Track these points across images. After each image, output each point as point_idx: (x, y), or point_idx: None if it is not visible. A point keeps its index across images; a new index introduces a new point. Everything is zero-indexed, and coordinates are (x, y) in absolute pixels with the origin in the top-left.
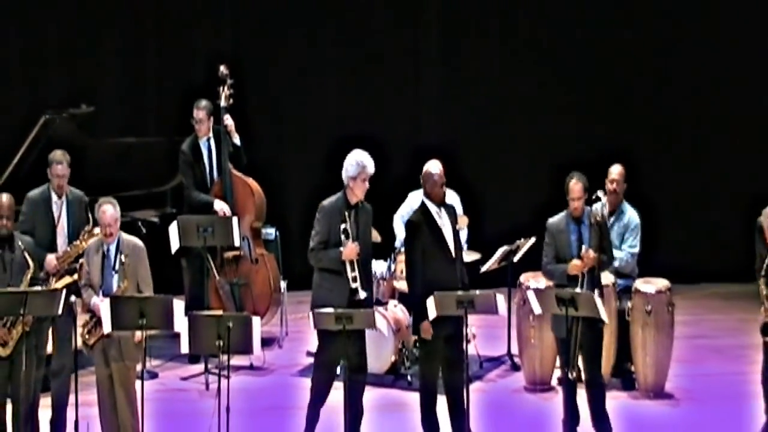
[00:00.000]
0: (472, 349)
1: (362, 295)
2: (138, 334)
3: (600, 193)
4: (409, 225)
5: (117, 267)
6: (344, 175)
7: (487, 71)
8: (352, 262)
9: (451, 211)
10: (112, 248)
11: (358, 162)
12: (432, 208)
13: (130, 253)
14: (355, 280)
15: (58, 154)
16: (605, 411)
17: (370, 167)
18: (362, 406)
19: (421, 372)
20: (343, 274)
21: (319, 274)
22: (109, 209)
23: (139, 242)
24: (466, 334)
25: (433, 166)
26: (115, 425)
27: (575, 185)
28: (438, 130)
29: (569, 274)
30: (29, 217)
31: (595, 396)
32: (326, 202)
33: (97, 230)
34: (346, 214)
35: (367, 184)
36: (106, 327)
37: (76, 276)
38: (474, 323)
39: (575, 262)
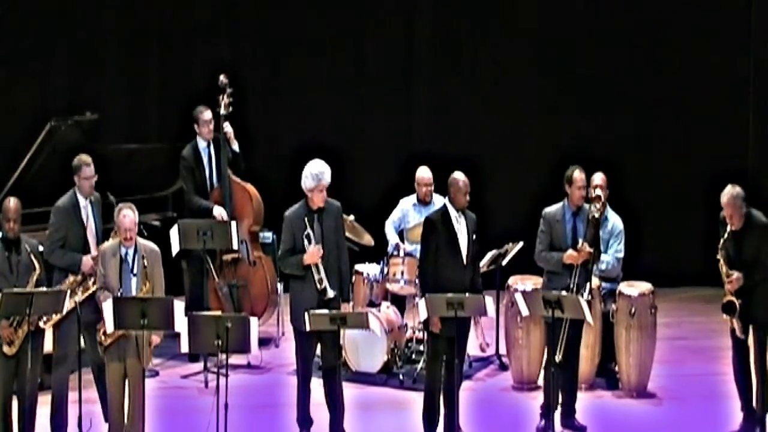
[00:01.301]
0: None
1: (331, 293)
2: (155, 338)
3: (599, 191)
4: (427, 222)
5: (136, 270)
6: (303, 185)
7: (478, 79)
8: (317, 265)
9: (471, 220)
10: (131, 252)
11: (313, 174)
12: (452, 212)
13: (148, 256)
14: (321, 281)
15: (84, 158)
16: (574, 396)
17: (326, 178)
18: (343, 400)
19: (427, 372)
20: (307, 277)
21: (291, 279)
22: (129, 214)
23: (155, 246)
24: (481, 344)
25: (458, 173)
26: (122, 420)
27: (580, 174)
28: (429, 138)
29: (564, 262)
30: (61, 226)
31: (567, 377)
32: (289, 211)
33: None
34: (307, 220)
35: (324, 194)
36: (109, 327)
37: None
38: (485, 329)
39: (571, 252)
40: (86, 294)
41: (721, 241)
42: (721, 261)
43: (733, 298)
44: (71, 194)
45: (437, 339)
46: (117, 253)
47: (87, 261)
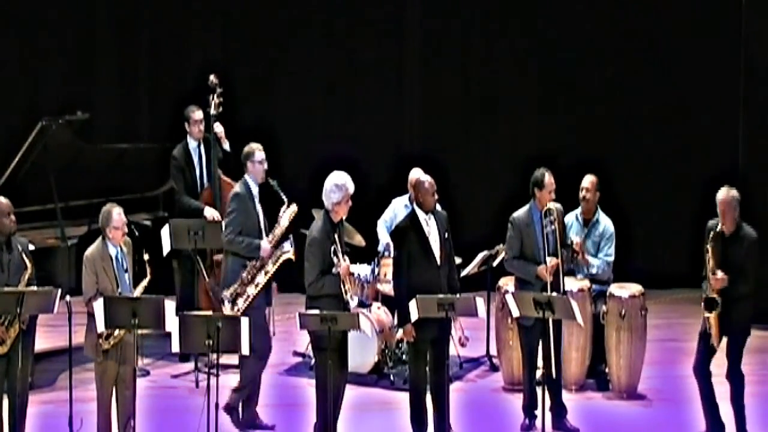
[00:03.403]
0: (452, 350)
1: (353, 303)
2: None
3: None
4: (397, 231)
5: (127, 267)
6: (327, 201)
7: (468, 82)
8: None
9: (441, 219)
10: (118, 250)
11: (339, 186)
12: (421, 215)
13: (129, 249)
14: (347, 292)
15: (256, 145)
16: (560, 397)
17: (351, 187)
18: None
19: (410, 373)
20: (339, 292)
21: (318, 302)
22: (121, 212)
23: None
24: (460, 338)
25: (423, 175)
26: (110, 421)
27: (550, 178)
28: (419, 139)
29: (537, 276)
30: (240, 212)
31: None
32: (316, 232)
33: (293, 206)
34: (335, 236)
35: (350, 203)
36: (100, 326)
37: (291, 255)
38: (466, 327)
39: (542, 269)
40: (267, 277)
41: (710, 239)
42: (709, 253)
43: (716, 296)
44: (244, 182)
45: (418, 341)
46: (105, 254)
47: (266, 248)
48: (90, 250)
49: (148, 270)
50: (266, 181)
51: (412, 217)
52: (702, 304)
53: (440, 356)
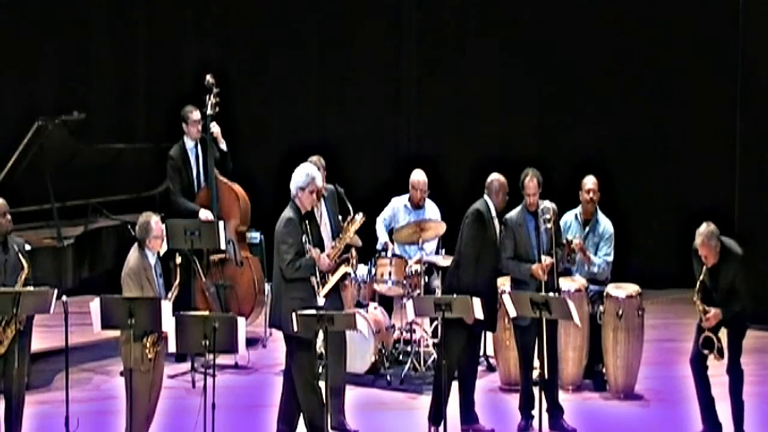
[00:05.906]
0: None
1: (321, 301)
2: None
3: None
4: (480, 215)
5: (161, 272)
6: (293, 186)
7: (465, 82)
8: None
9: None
10: (155, 257)
11: (308, 174)
12: (493, 213)
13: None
14: (318, 285)
15: (314, 160)
16: (556, 396)
17: (319, 180)
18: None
19: (446, 359)
20: (308, 280)
21: (289, 286)
22: (158, 220)
23: None
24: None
25: (497, 175)
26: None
27: (530, 182)
28: (419, 139)
29: (532, 275)
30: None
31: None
32: (291, 214)
33: (359, 216)
34: (305, 224)
35: (314, 196)
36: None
37: (350, 267)
38: None
39: (536, 269)
40: (327, 289)
41: (697, 283)
42: (698, 301)
43: (711, 335)
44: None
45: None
46: (147, 264)
47: (324, 260)
48: (133, 264)
49: (178, 273)
50: (336, 189)
51: (488, 209)
52: (700, 345)
53: (477, 345)
